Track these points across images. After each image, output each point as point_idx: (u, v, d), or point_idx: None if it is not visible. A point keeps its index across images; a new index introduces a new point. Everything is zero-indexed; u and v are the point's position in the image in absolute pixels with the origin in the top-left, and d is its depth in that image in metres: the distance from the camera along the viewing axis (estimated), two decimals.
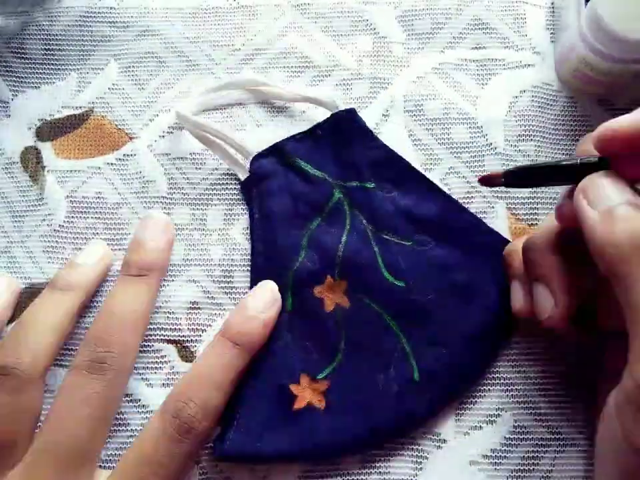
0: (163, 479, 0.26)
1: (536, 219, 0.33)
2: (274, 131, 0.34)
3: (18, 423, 0.27)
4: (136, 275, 0.30)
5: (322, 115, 0.34)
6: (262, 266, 0.32)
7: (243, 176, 0.33)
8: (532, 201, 0.33)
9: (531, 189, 0.33)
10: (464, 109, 0.35)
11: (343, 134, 0.33)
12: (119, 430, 0.31)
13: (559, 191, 0.33)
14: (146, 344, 0.32)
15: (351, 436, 0.29)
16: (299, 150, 0.33)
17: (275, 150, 0.33)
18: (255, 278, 0.31)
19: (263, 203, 0.32)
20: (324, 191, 0.32)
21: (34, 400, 0.28)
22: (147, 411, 0.31)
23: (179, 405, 0.27)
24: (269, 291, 0.30)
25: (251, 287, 0.31)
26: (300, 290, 0.31)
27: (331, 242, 0.31)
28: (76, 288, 0.30)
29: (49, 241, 0.33)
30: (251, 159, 0.33)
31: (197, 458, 0.30)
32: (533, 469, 0.30)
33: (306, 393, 0.29)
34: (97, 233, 0.34)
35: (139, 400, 0.31)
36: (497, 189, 0.33)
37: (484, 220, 0.33)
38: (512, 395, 0.31)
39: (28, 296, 0.33)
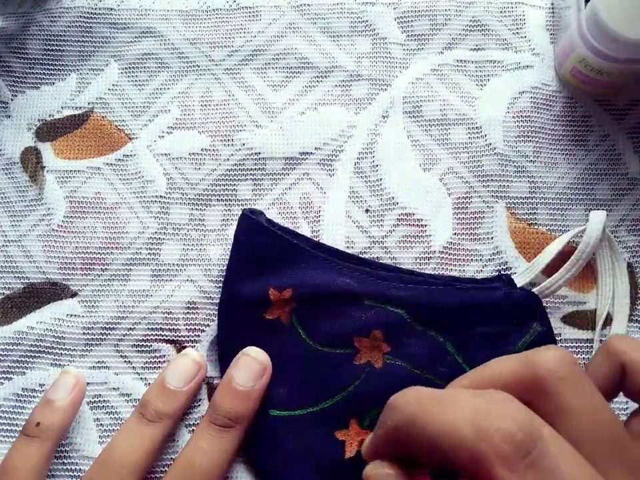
0: None
1: (535, 218, 0.33)
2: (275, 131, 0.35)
3: None
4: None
5: None
6: None
7: None
8: (532, 200, 0.33)
9: (531, 188, 0.33)
10: (463, 110, 0.35)
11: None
12: (116, 430, 0.31)
13: (560, 190, 0.33)
14: (144, 343, 0.32)
15: None
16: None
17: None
18: None
19: None
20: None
21: None
22: None
23: None
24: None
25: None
26: None
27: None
28: (53, 431, 0.28)
29: (47, 241, 0.34)
30: None
31: None
32: None
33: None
34: (96, 233, 0.34)
35: (137, 400, 0.31)
36: (496, 188, 0.33)
37: (484, 220, 0.33)
38: None
39: (27, 296, 0.33)
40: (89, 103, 0.36)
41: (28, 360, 0.32)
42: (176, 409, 0.29)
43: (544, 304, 0.30)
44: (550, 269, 0.31)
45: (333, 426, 0.29)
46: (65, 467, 0.30)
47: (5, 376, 0.32)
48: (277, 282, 0.30)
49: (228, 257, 0.32)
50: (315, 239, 0.32)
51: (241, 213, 0.32)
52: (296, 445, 0.29)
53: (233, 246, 0.31)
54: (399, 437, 0.19)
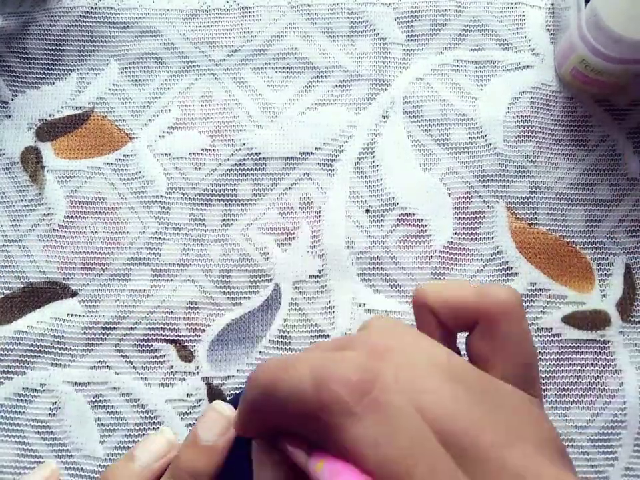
0: None
1: (536, 217, 0.33)
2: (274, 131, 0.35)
3: None
4: None
5: None
6: None
7: None
8: (532, 200, 0.33)
9: (531, 188, 0.33)
10: (463, 110, 0.35)
11: None
12: (117, 429, 0.31)
13: (560, 190, 0.33)
14: (145, 343, 0.32)
15: None
16: None
17: None
18: None
19: None
20: None
21: None
22: (146, 410, 0.31)
23: None
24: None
25: None
26: None
27: None
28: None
29: (47, 241, 0.34)
30: None
31: None
32: None
33: None
34: (96, 233, 0.34)
35: (138, 399, 0.31)
36: (496, 188, 0.33)
37: (484, 220, 0.33)
38: None
39: (27, 295, 0.33)
40: (89, 103, 0.36)
41: (28, 360, 0.32)
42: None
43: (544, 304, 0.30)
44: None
45: None
46: (66, 466, 0.30)
47: (5, 375, 0.32)
48: None
49: (228, 257, 0.32)
50: None
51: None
52: None
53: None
54: (257, 411, 0.19)
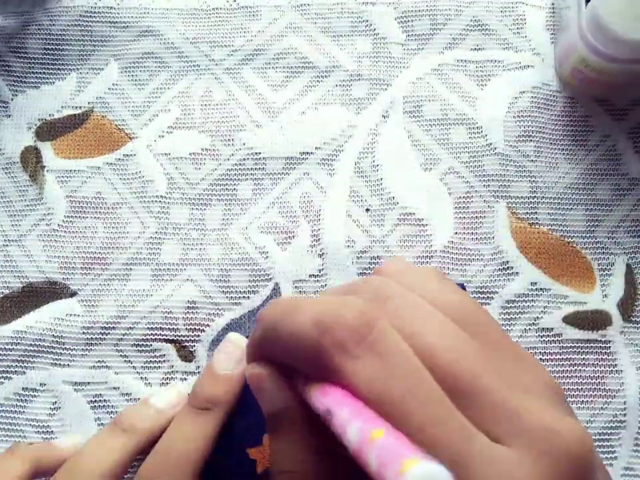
0: None
1: (536, 217, 0.33)
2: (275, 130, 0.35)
3: None
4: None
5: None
6: None
7: None
8: (533, 200, 0.33)
9: (531, 188, 0.33)
10: (463, 110, 0.34)
11: None
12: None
13: (560, 190, 0.33)
14: (144, 343, 0.32)
15: None
16: None
17: None
18: None
19: None
20: None
21: None
22: None
23: None
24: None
25: None
26: None
27: None
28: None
29: (47, 241, 0.33)
30: None
31: None
32: None
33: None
34: (96, 233, 0.34)
35: (138, 399, 0.31)
36: (496, 188, 0.33)
37: (485, 220, 0.33)
38: None
39: (26, 295, 0.33)
40: (89, 103, 0.36)
41: (28, 359, 0.32)
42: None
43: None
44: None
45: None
46: None
47: (4, 375, 0.32)
48: None
49: (228, 257, 0.32)
50: None
51: None
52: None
53: None
54: (262, 347, 0.20)
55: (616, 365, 0.31)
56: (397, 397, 0.16)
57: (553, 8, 0.36)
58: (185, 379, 0.31)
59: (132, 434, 0.28)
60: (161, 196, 0.34)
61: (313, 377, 0.18)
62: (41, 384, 0.32)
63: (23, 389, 0.32)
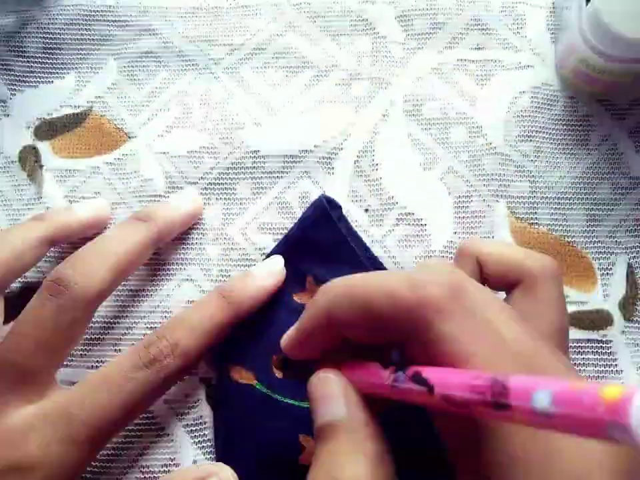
0: (115, 398, 0.26)
1: (536, 217, 0.33)
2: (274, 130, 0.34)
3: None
4: (137, 218, 0.30)
5: None
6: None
7: None
8: (533, 200, 0.33)
9: (531, 188, 0.33)
10: (463, 109, 0.34)
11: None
12: None
13: (561, 190, 0.33)
14: None
15: None
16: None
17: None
18: None
19: None
20: None
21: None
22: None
23: (152, 338, 0.27)
24: (276, 263, 0.31)
25: None
26: None
27: None
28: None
29: None
30: None
31: (159, 396, 0.28)
32: None
33: None
34: (96, 232, 0.33)
35: None
36: (496, 187, 0.33)
37: (484, 220, 0.33)
38: None
39: (24, 295, 0.33)
40: (87, 102, 0.36)
41: None
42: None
43: None
44: None
45: (301, 429, 0.28)
46: None
47: None
48: (319, 273, 0.30)
49: (227, 256, 0.32)
50: (372, 252, 0.32)
51: (319, 196, 0.32)
52: (258, 427, 0.29)
53: (296, 225, 0.31)
54: (329, 317, 0.21)
55: (616, 365, 0.31)
56: (478, 359, 0.18)
57: (554, 7, 0.36)
58: (183, 379, 0.31)
59: (149, 222, 0.30)
60: (159, 195, 0.34)
61: (405, 344, 0.20)
62: None
63: None
